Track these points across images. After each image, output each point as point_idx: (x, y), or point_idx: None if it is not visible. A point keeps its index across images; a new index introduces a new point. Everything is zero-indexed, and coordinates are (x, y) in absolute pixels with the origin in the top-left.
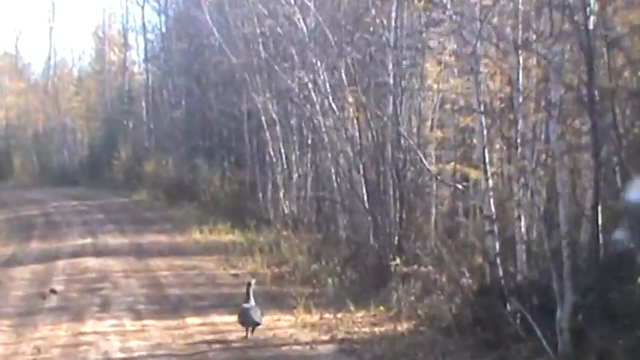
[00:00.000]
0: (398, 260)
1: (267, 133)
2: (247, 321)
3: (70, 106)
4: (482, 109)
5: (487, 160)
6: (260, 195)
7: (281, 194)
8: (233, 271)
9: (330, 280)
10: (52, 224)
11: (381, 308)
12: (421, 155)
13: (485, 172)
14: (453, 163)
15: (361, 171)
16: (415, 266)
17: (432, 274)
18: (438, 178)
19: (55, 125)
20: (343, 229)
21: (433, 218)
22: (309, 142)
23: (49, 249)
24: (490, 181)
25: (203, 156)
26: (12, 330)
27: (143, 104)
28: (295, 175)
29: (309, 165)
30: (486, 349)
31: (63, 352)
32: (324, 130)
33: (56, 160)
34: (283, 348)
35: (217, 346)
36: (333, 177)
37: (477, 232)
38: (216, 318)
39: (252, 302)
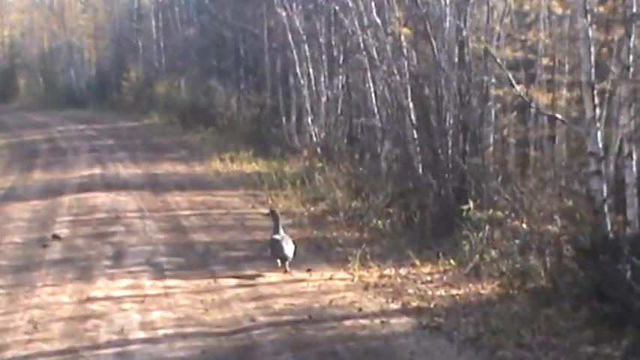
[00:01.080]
0: (471, 203)
1: (294, 52)
2: (281, 254)
3: (76, 24)
4: (588, 17)
5: (593, 80)
6: (283, 120)
7: (309, 119)
8: (264, 210)
9: (379, 223)
10: (58, 151)
11: (452, 262)
12: (509, 75)
13: (592, 97)
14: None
15: (409, 95)
16: (490, 211)
17: (514, 221)
18: (533, 106)
19: (61, 44)
20: (384, 161)
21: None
22: (341, 61)
23: (53, 180)
24: (597, 109)
25: (218, 77)
26: (3, 293)
27: (153, 22)
28: (324, 99)
29: (340, 87)
30: (612, 328)
31: (66, 328)
32: (362, 47)
33: (62, 80)
34: (347, 323)
35: (263, 319)
36: (373, 100)
37: (555, 168)
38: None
39: (282, 232)
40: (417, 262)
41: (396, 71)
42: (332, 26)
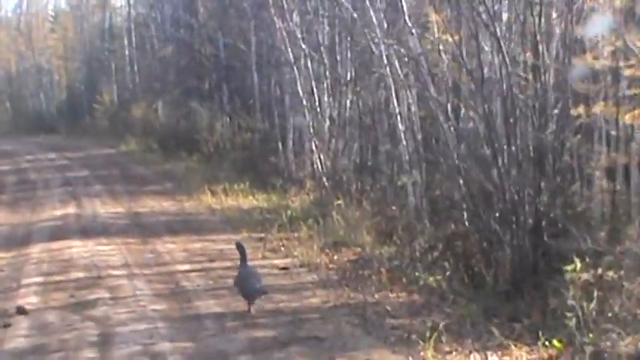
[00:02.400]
0: (578, 263)
1: (295, 68)
2: (250, 291)
3: (45, 44)
4: None
5: None
6: (279, 146)
7: (312, 145)
8: (279, 262)
9: (431, 280)
10: (26, 185)
11: (556, 343)
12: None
13: None
14: None
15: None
16: (598, 270)
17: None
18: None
19: (29, 66)
20: (412, 195)
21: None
22: (348, 77)
23: (20, 224)
24: None
25: (200, 99)
26: None
27: (125, 41)
28: (327, 122)
29: (347, 107)
30: None
31: None
32: (385, 61)
33: (31, 105)
34: None
35: None
36: (399, 122)
37: None
38: None
39: (249, 266)
40: (509, 344)
41: (432, 88)
42: (338, 38)
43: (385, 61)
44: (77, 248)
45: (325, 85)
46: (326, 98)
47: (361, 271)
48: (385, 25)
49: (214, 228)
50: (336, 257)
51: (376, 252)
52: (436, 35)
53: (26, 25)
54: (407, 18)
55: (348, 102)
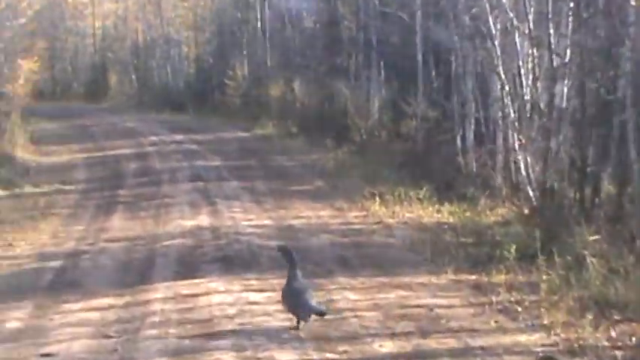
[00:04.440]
0: None
1: (496, 44)
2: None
3: (174, 14)
4: None
5: None
6: (458, 141)
7: (515, 143)
8: (530, 340)
9: None
10: (149, 176)
11: None
12: None
13: None
14: None
15: None
16: None
17: None
18: None
19: (156, 37)
20: None
21: None
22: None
23: (138, 242)
24: None
25: (345, 79)
26: None
27: (259, 13)
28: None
29: (564, 95)
30: None
31: None
32: None
33: (158, 78)
34: None
35: None
36: None
37: None
38: None
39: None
40: None
41: None
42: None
43: None
44: (217, 295)
45: (531, 65)
46: (531, 82)
47: None
48: None
49: (401, 260)
50: (614, 334)
51: None
52: None
53: None
54: None
55: (564, 89)
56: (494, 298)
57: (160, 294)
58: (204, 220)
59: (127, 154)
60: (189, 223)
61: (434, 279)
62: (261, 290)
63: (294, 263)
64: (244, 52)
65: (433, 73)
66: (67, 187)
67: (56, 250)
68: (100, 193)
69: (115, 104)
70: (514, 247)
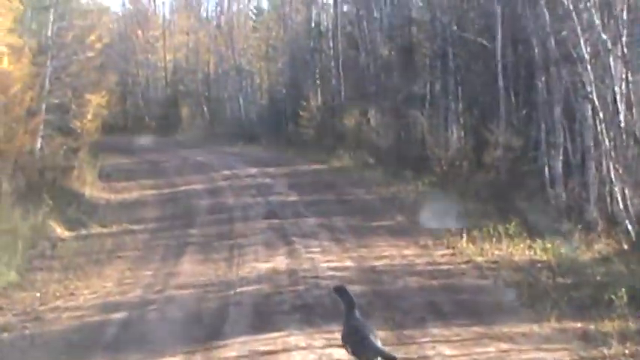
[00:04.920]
0: None
1: (588, 66)
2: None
3: (246, 44)
4: None
5: None
6: (546, 172)
7: (611, 174)
8: None
9: None
10: (221, 214)
11: None
12: None
13: None
14: None
15: None
16: None
17: None
18: None
19: (228, 68)
20: None
21: None
22: None
23: (212, 285)
24: None
25: (422, 107)
26: None
27: (331, 42)
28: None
29: None
30: None
31: None
32: None
33: (230, 110)
34: None
35: None
36: None
37: None
38: None
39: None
40: None
41: None
42: None
43: None
44: (298, 353)
45: (625, 91)
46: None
47: None
48: None
49: (497, 305)
50: None
51: None
52: None
53: (227, 24)
54: None
55: None
56: (606, 351)
57: (234, 352)
58: (280, 262)
59: (198, 190)
60: (264, 266)
61: (536, 328)
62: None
63: (352, 304)
64: (317, 82)
65: (514, 100)
66: (136, 227)
67: (121, 299)
68: (169, 232)
69: (186, 137)
70: (623, 290)
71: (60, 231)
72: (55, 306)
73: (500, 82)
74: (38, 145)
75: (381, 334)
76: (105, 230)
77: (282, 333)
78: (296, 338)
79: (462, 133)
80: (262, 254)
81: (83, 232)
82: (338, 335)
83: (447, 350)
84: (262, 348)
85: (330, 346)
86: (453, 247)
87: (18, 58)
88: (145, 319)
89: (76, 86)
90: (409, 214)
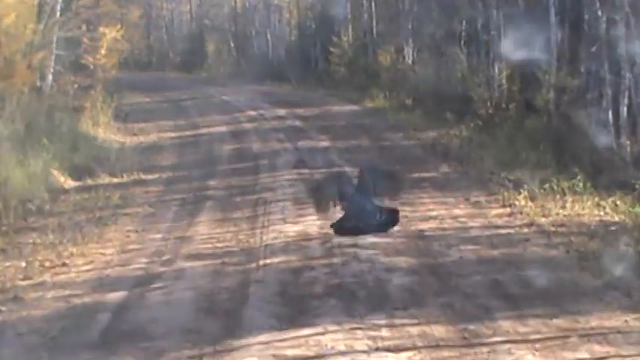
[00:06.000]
0: None
1: None
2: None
3: None
4: None
5: None
6: (609, 117)
7: None
8: None
9: None
10: (244, 162)
11: None
12: None
13: None
14: None
15: None
16: None
17: None
18: None
19: (256, 2)
20: None
21: None
22: None
23: (228, 256)
24: None
25: (460, 45)
26: None
27: None
28: None
29: None
30: None
31: None
32: None
33: (257, 46)
34: None
35: None
36: None
37: None
38: None
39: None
40: None
41: None
42: None
43: None
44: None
45: None
46: None
47: None
48: None
49: (576, 287)
50: None
51: None
52: None
53: None
54: None
55: None
56: None
57: (253, 358)
58: (311, 224)
59: (221, 133)
60: (292, 230)
61: (632, 320)
62: (398, 349)
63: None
64: (349, 17)
65: (568, 33)
66: (149, 177)
67: (121, 272)
68: (186, 184)
69: (212, 75)
70: None
71: (63, 180)
72: (41, 281)
73: (552, 14)
74: (48, 83)
75: (439, 329)
76: (114, 180)
77: (314, 329)
78: (332, 337)
79: (507, 73)
80: (290, 213)
81: (89, 181)
82: (385, 332)
83: (528, 356)
84: (289, 352)
85: (378, 348)
86: (510, 205)
87: None
88: (145, 303)
89: (90, 18)
90: (455, 163)
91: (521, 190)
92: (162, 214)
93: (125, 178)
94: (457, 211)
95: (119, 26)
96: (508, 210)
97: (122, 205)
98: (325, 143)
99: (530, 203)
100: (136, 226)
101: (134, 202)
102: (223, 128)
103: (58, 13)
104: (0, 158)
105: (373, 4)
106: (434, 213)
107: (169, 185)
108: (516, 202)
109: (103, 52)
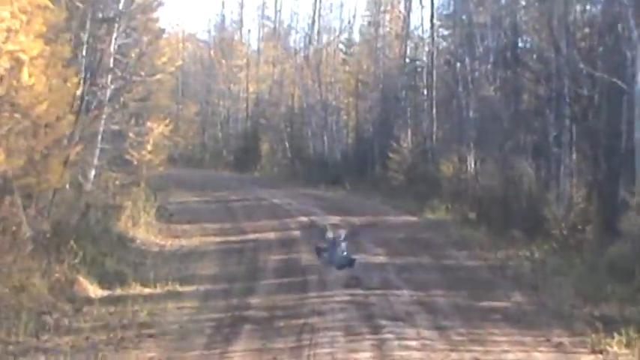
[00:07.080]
0: None
1: None
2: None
3: (334, 78)
4: None
5: None
6: None
7: None
8: None
9: None
10: (291, 277)
11: None
12: None
13: None
14: None
15: None
16: None
17: None
18: None
19: (313, 103)
20: None
21: None
22: None
23: None
24: None
25: (528, 158)
26: None
27: (425, 79)
28: None
29: None
30: None
31: None
32: None
33: (313, 148)
34: None
35: None
36: None
37: None
38: None
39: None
40: None
41: None
42: None
43: None
44: None
45: None
46: None
47: None
48: None
49: None
50: None
51: None
52: None
53: (315, 56)
54: None
55: None
56: None
57: None
58: None
59: (269, 240)
60: None
61: None
62: None
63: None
64: (409, 122)
65: None
66: (185, 289)
67: None
68: (224, 301)
69: (264, 174)
70: None
71: (92, 289)
72: None
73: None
74: (90, 179)
75: None
76: (146, 290)
77: None
78: None
79: (579, 191)
80: (341, 346)
81: (119, 291)
82: None
83: None
84: None
85: None
86: (601, 352)
87: (42, 69)
88: None
89: (138, 111)
90: (528, 292)
91: (614, 333)
92: (194, 339)
93: (158, 289)
94: (537, 355)
95: (167, 121)
96: (600, 358)
97: (149, 323)
98: (381, 258)
99: (625, 350)
100: (161, 353)
101: (164, 320)
102: (271, 235)
103: (106, 104)
104: (22, 263)
105: (434, 110)
106: (510, 357)
107: (206, 301)
108: (609, 348)
109: (149, 147)
